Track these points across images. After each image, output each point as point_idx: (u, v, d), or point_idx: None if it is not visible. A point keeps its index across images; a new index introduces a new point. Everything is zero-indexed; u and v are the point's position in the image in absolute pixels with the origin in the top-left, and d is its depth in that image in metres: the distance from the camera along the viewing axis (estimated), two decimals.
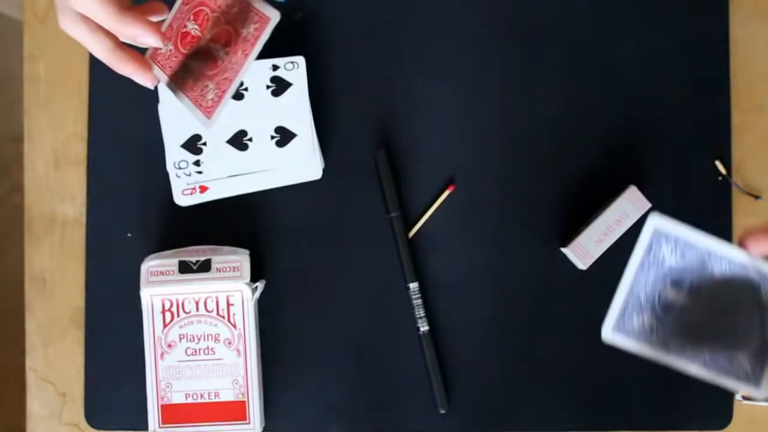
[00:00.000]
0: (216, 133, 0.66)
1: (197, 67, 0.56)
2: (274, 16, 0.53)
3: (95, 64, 0.71)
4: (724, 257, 0.49)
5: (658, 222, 0.50)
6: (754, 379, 0.49)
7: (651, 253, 0.50)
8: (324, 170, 0.69)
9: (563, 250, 0.69)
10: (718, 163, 0.70)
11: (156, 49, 0.58)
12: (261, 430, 0.66)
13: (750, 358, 0.49)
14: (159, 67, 0.57)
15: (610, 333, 0.49)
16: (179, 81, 0.56)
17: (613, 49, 0.70)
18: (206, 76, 0.55)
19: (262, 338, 0.69)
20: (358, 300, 0.70)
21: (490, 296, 0.70)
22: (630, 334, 0.49)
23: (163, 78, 0.57)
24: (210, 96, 0.55)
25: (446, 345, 0.70)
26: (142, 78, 0.54)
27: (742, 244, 0.50)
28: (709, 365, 0.49)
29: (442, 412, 0.69)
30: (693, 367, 0.49)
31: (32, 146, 0.71)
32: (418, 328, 0.69)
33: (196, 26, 0.56)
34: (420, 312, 0.69)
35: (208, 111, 0.55)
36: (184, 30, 0.57)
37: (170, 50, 0.57)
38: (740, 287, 0.49)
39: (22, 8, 0.72)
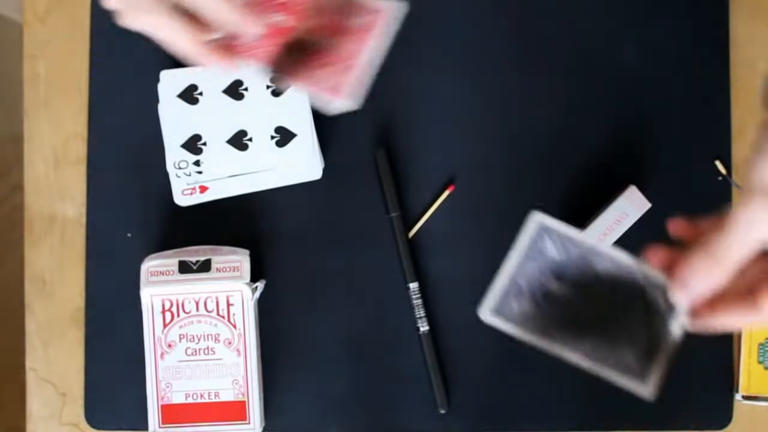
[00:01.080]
0: (216, 133, 0.66)
1: (305, 57, 0.57)
2: (387, 7, 0.55)
3: (95, 64, 0.71)
4: (609, 258, 0.50)
5: (541, 219, 0.51)
6: (641, 376, 0.50)
7: (534, 245, 0.51)
8: (324, 170, 0.69)
9: None
10: (718, 163, 0.70)
11: (230, 38, 0.57)
12: (261, 430, 0.66)
13: (634, 354, 0.50)
14: (241, 56, 0.57)
15: (488, 315, 0.50)
16: (286, 70, 0.57)
17: (612, 49, 0.70)
18: (319, 64, 0.57)
19: (262, 338, 0.69)
20: (358, 300, 0.70)
21: None
22: (508, 318, 0.50)
23: (250, 66, 0.57)
24: (333, 81, 0.56)
25: (446, 345, 0.70)
26: (228, 66, 0.54)
27: (645, 254, 0.51)
28: (591, 357, 0.50)
29: (442, 412, 0.69)
30: (573, 356, 0.50)
31: (32, 146, 0.71)
32: (418, 328, 0.69)
33: (286, 17, 0.57)
34: (420, 312, 0.69)
35: (338, 93, 0.56)
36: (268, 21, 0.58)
37: (254, 40, 0.57)
38: (625, 288, 0.50)
39: (22, 9, 0.72)
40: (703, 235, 0.49)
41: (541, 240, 0.51)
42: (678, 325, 0.50)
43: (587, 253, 0.50)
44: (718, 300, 0.50)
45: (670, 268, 0.51)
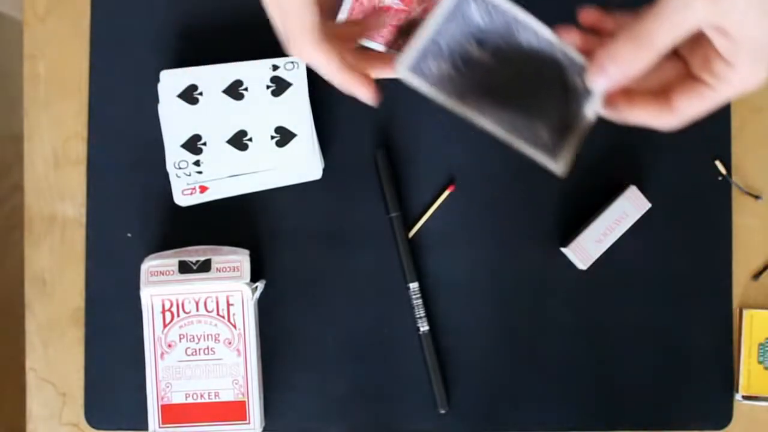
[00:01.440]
0: (216, 133, 0.66)
1: None
2: None
3: (95, 64, 0.71)
4: (532, 30, 0.49)
5: None
6: (552, 152, 0.49)
7: (458, 7, 0.49)
8: (324, 170, 0.69)
9: (563, 250, 0.69)
10: (718, 163, 0.70)
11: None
12: (261, 430, 0.66)
13: (549, 131, 0.49)
14: (364, 38, 0.60)
15: (405, 71, 0.49)
16: (404, 47, 0.61)
17: None
18: None
19: (262, 338, 0.69)
20: (358, 300, 0.70)
21: (490, 296, 0.70)
22: (426, 78, 0.49)
23: (379, 47, 0.59)
24: None
25: (446, 345, 0.70)
26: (367, 95, 0.52)
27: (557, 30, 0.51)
28: (506, 127, 0.49)
29: (442, 412, 0.69)
30: (488, 124, 0.49)
31: (32, 146, 0.71)
32: (418, 328, 0.69)
33: (398, 1, 0.60)
34: (420, 312, 0.69)
35: None
36: (380, 5, 0.60)
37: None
38: (545, 64, 0.49)
39: (22, 8, 0.72)
40: (622, 26, 0.47)
41: (467, 5, 0.49)
42: (592, 110, 0.50)
43: (512, 22, 0.49)
44: (635, 94, 0.50)
45: (587, 52, 0.49)
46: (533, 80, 0.49)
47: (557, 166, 0.49)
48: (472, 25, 0.49)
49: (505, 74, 0.49)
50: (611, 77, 0.48)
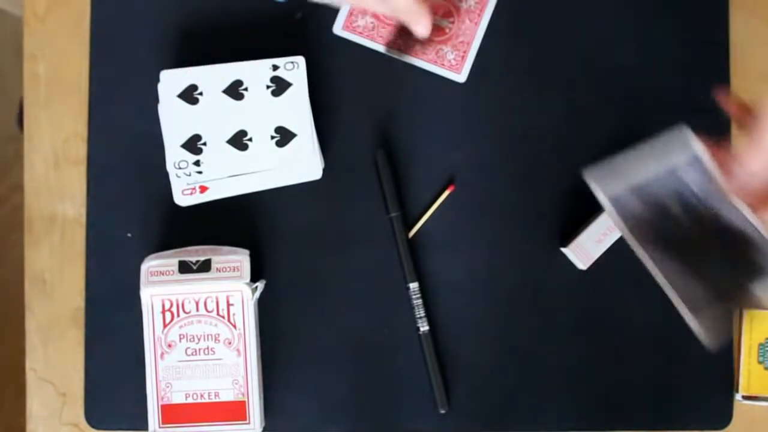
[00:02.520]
0: (216, 133, 0.66)
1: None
2: None
3: (95, 64, 0.71)
4: (737, 211, 0.50)
5: (701, 152, 0.51)
6: (700, 314, 0.50)
7: (678, 167, 0.50)
8: (324, 170, 0.69)
9: (563, 250, 0.69)
10: None
11: (351, 20, 0.68)
12: (261, 430, 0.66)
13: (706, 294, 0.50)
14: (364, 38, 0.67)
15: (607, 200, 0.50)
16: (403, 47, 0.66)
17: (613, 49, 0.70)
18: (436, 42, 0.67)
19: (262, 338, 0.69)
20: (358, 300, 0.70)
21: (490, 296, 0.70)
22: (621, 209, 0.50)
23: (376, 46, 0.65)
24: (450, 56, 0.67)
25: (446, 345, 0.70)
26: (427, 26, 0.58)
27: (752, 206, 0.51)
28: (668, 275, 0.50)
29: (442, 412, 0.69)
30: (652, 266, 0.50)
31: (32, 146, 0.71)
32: (418, 328, 0.69)
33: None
34: (420, 312, 0.69)
35: (455, 68, 0.68)
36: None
37: (372, 23, 0.68)
38: (737, 238, 0.50)
39: (23, 6, 0.72)
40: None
41: (693, 169, 0.51)
42: (766, 291, 0.50)
43: (722, 201, 0.50)
44: None
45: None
46: (717, 249, 0.51)
47: (701, 330, 0.51)
48: (687, 188, 0.51)
49: (694, 237, 0.51)
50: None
